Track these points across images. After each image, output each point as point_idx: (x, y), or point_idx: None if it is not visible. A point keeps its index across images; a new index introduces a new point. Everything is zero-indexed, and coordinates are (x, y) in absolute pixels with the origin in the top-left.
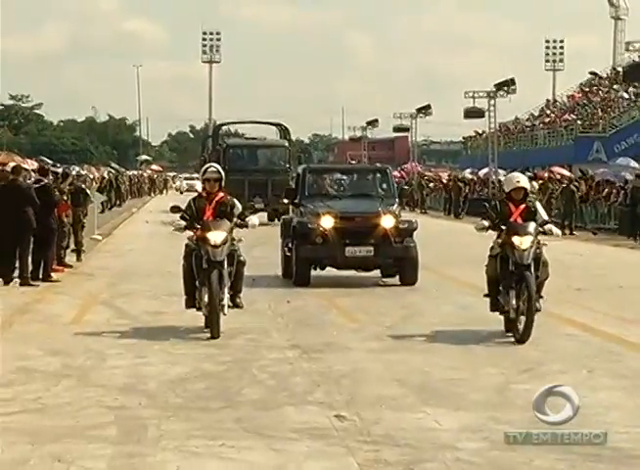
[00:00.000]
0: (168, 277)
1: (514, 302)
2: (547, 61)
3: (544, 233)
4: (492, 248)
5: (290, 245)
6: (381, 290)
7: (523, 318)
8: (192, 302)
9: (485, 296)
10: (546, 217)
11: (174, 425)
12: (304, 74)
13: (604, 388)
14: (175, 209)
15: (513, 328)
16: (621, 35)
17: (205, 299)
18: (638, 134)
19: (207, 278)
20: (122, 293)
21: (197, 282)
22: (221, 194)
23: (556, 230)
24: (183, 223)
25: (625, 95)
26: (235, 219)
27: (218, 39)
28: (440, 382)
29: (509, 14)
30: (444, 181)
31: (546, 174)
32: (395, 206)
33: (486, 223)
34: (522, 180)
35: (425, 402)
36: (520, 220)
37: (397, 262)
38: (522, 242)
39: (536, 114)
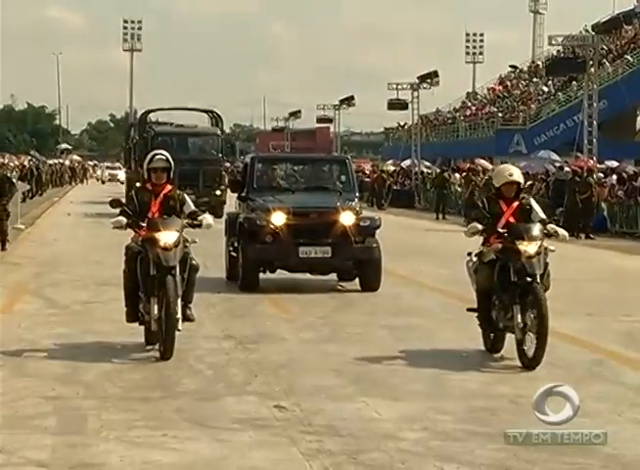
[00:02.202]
0: (95, 266)
1: (519, 318)
2: (467, 53)
3: (547, 235)
4: (482, 253)
5: (235, 244)
6: (309, 280)
7: (529, 338)
8: (135, 315)
9: (471, 310)
10: (543, 216)
11: (114, 415)
12: (226, 64)
13: (539, 378)
14: (115, 203)
15: (498, 346)
16: (540, 29)
17: (155, 311)
18: (557, 127)
19: (159, 287)
20: (51, 282)
21: (140, 291)
22: (169, 187)
23: (562, 232)
24: (124, 220)
25: (545, 88)
26: (185, 218)
27: (139, 28)
28: (377, 372)
29: (430, 6)
30: (367, 172)
31: (467, 166)
32: (355, 201)
33: (480, 227)
34: (515, 173)
35: (363, 393)
36: (512, 220)
37: (358, 265)
38: (528, 247)
39: (457, 106)
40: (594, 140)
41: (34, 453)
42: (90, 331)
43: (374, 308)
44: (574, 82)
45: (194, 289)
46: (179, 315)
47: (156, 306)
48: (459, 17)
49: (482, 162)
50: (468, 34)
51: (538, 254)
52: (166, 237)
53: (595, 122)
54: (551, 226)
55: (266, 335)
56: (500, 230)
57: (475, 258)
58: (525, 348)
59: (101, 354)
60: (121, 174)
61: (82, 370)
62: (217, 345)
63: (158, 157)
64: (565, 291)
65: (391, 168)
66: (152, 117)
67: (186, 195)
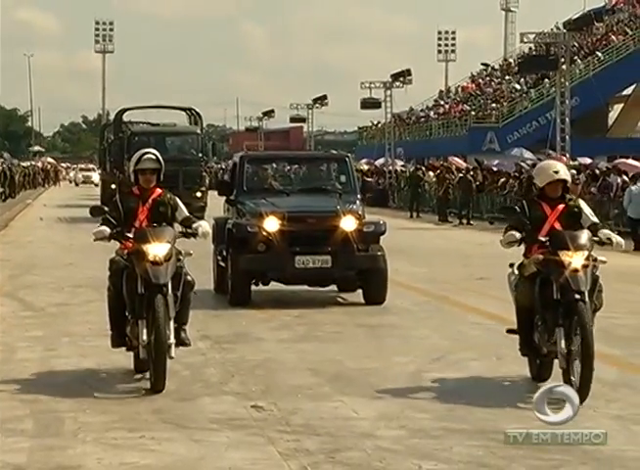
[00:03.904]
0: (70, 269)
1: (563, 344)
2: (439, 52)
3: (599, 243)
4: (522, 265)
5: (224, 253)
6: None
7: (576, 366)
8: (121, 339)
9: (511, 332)
10: (595, 219)
11: (91, 417)
12: (198, 65)
13: (515, 375)
14: (96, 211)
15: (544, 374)
16: (512, 27)
17: (144, 336)
18: (530, 124)
19: (148, 308)
20: (25, 284)
21: (127, 312)
22: (159, 190)
23: (617, 238)
24: (107, 231)
25: (517, 86)
26: (179, 226)
27: (111, 29)
28: (354, 371)
29: (402, 5)
30: None
31: (440, 163)
32: (358, 203)
33: (518, 235)
34: (561, 170)
35: (340, 391)
36: (558, 226)
37: (361, 275)
38: (572, 259)
39: (430, 104)
40: (567, 137)
41: (11, 457)
42: (66, 333)
43: (350, 307)
44: (547, 80)
45: (189, 308)
46: (172, 340)
47: (144, 331)
48: (431, 15)
49: (456, 160)
50: (440, 32)
51: (585, 266)
52: (156, 249)
53: (567, 120)
54: (604, 232)
55: (242, 335)
56: (541, 239)
57: (517, 271)
58: (573, 378)
59: (76, 356)
60: (95, 176)
61: (58, 373)
62: (193, 345)
63: (146, 157)
64: None
65: (365, 167)
66: (127, 116)
67: (177, 199)
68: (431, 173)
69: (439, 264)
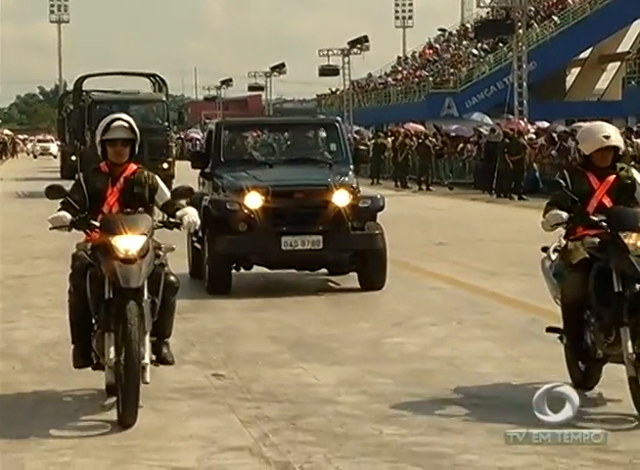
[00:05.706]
0: (29, 240)
1: (630, 347)
2: (397, 18)
3: None
4: (567, 249)
5: (200, 234)
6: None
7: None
8: (85, 356)
9: (552, 330)
10: None
11: (51, 388)
12: (156, 34)
13: (475, 338)
14: (54, 191)
15: (591, 381)
16: None
17: (112, 355)
18: (488, 89)
19: (117, 318)
20: None
21: (93, 321)
22: (134, 166)
23: None
24: (67, 217)
25: (475, 51)
26: (157, 213)
27: None
28: (314, 338)
29: None
30: None
31: (402, 130)
32: (351, 175)
33: (565, 215)
34: (612, 135)
35: (301, 359)
36: (607, 202)
37: (356, 257)
38: (638, 241)
39: (389, 71)
40: (524, 101)
41: None
42: (25, 305)
43: (310, 275)
44: (502, 44)
45: (173, 318)
46: (146, 360)
47: (112, 347)
48: None
49: (412, 125)
50: None
51: None
52: (128, 243)
53: (525, 84)
54: None
55: (203, 304)
56: (594, 218)
57: (554, 256)
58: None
59: (36, 328)
60: (54, 148)
61: (18, 344)
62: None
63: (116, 124)
64: (498, 252)
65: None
66: (87, 84)
67: (158, 177)
68: (389, 139)
69: (399, 230)
